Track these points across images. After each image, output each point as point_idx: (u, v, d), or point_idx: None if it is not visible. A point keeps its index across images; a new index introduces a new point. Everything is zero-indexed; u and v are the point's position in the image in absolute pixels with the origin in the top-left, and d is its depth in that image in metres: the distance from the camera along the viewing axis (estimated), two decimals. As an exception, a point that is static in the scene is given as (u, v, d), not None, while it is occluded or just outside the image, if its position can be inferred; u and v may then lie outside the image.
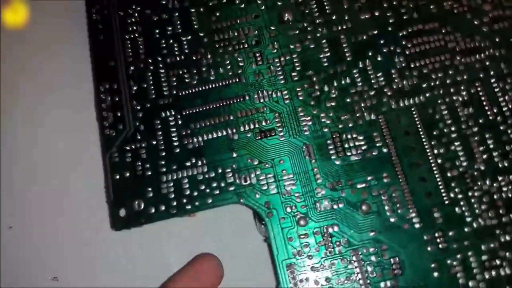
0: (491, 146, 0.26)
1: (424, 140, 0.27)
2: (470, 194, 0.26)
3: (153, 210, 0.26)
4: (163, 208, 0.26)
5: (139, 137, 0.28)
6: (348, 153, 0.27)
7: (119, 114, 0.28)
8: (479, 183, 0.26)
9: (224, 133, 0.27)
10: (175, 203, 0.26)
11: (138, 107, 0.28)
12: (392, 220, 0.25)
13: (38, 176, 0.30)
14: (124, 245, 0.28)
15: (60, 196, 0.30)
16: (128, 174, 0.27)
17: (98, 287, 0.28)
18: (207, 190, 0.26)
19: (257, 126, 0.27)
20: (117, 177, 0.27)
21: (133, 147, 0.27)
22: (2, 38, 0.33)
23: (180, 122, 0.28)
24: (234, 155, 0.27)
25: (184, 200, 0.26)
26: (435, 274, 0.24)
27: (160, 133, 0.28)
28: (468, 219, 0.25)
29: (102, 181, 0.28)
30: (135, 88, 0.29)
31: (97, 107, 0.29)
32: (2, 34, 0.33)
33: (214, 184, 0.26)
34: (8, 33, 0.33)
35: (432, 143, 0.27)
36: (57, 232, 0.29)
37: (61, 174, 0.30)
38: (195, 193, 0.26)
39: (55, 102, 0.32)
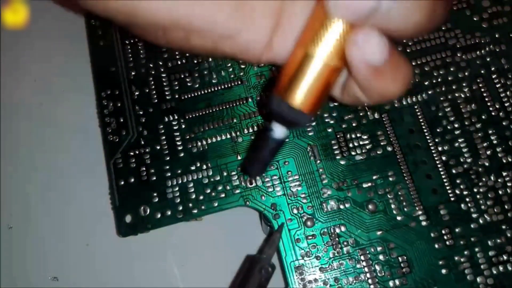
0: (495, 141, 0.27)
1: (428, 137, 0.27)
2: (475, 190, 0.26)
3: (159, 216, 0.26)
4: (169, 213, 0.26)
5: (142, 142, 0.27)
6: (353, 153, 0.27)
7: (122, 120, 0.28)
8: (484, 179, 0.26)
9: (228, 136, 0.27)
10: (181, 208, 0.26)
11: (141, 112, 0.28)
12: (399, 218, 0.25)
13: (38, 178, 0.30)
14: (126, 247, 0.28)
15: (60, 196, 0.30)
16: (133, 180, 0.27)
17: (98, 287, 0.28)
18: (213, 194, 0.26)
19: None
20: (122, 183, 0.27)
21: (137, 152, 0.27)
22: (2, 38, 0.33)
23: (183, 126, 0.28)
24: (239, 157, 0.27)
25: (190, 204, 0.26)
26: (443, 271, 0.24)
27: (163, 137, 0.28)
28: (474, 215, 0.25)
29: (105, 186, 0.27)
30: (137, 93, 0.29)
31: (99, 113, 0.29)
32: (2, 34, 0.33)
33: (220, 188, 0.26)
34: (8, 33, 0.33)
35: (436, 140, 0.27)
36: (57, 232, 0.29)
37: (61, 176, 0.30)
38: (201, 197, 0.26)
39: (56, 104, 0.32)
